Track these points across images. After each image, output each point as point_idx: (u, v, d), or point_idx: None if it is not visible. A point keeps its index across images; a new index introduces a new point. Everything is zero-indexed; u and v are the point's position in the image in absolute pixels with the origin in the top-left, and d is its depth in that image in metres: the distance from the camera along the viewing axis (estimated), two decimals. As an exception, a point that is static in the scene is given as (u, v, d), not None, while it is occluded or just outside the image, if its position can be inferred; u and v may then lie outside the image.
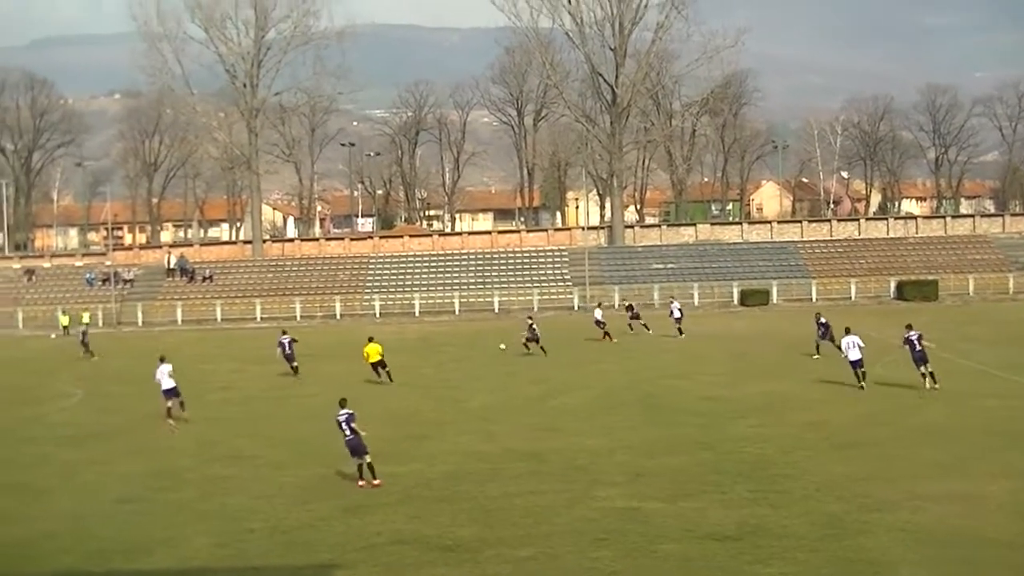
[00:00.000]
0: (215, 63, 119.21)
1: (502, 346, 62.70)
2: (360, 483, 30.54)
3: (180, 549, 25.16)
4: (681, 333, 70.37)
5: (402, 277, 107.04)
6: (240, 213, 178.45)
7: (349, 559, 23.81)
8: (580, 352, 64.61)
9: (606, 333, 69.07)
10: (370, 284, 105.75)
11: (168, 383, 43.73)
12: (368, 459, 30.68)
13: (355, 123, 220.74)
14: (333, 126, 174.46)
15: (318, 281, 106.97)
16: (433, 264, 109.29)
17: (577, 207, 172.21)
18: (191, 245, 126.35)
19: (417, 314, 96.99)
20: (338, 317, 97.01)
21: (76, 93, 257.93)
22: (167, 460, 35.49)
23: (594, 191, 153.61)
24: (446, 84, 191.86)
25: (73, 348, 74.33)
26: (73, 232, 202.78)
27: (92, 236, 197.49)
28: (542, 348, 61.93)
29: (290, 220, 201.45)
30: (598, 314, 71.25)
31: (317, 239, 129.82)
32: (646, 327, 72.56)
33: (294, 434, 39.59)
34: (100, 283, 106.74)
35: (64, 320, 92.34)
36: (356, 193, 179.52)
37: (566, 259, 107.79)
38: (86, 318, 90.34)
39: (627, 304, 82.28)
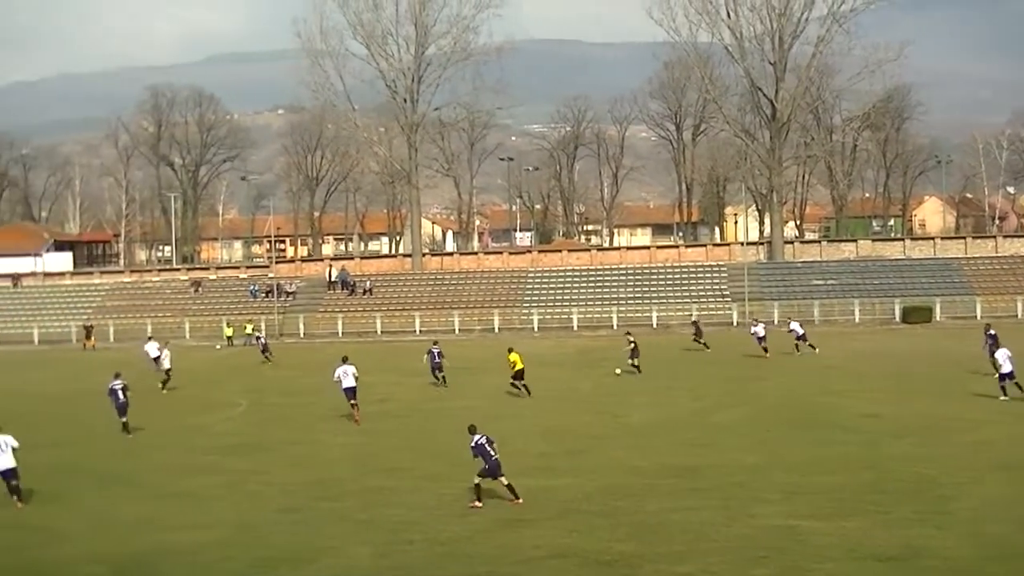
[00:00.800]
0: (376, 79, 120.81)
1: (617, 371, 61.97)
2: (517, 500, 30.25)
3: (341, 559, 25.51)
4: (814, 348, 69.71)
5: (560, 291, 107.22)
6: (400, 226, 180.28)
7: (506, 572, 23.91)
8: (739, 368, 64.12)
9: (765, 348, 68.47)
10: (528, 298, 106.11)
11: (349, 382, 47.05)
12: (505, 480, 30.34)
13: (513, 138, 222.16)
14: (492, 141, 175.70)
15: (477, 295, 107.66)
16: (591, 279, 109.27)
17: (736, 222, 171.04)
18: (352, 258, 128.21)
19: (575, 328, 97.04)
20: (496, 331, 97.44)
21: (241, 108, 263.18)
22: (328, 471, 36.00)
23: (753, 206, 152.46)
24: (604, 99, 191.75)
25: (237, 358, 75.89)
26: (237, 245, 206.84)
27: (256, 249, 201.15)
28: (636, 367, 61.37)
29: (449, 234, 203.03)
30: (759, 330, 70.53)
31: (476, 253, 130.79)
32: (705, 345, 74.20)
33: (451, 446, 39.75)
34: (263, 295, 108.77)
35: (228, 331, 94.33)
36: (514, 207, 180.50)
37: (725, 274, 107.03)
38: (249, 328, 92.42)
39: (692, 320, 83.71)
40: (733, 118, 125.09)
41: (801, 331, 71.17)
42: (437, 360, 58.99)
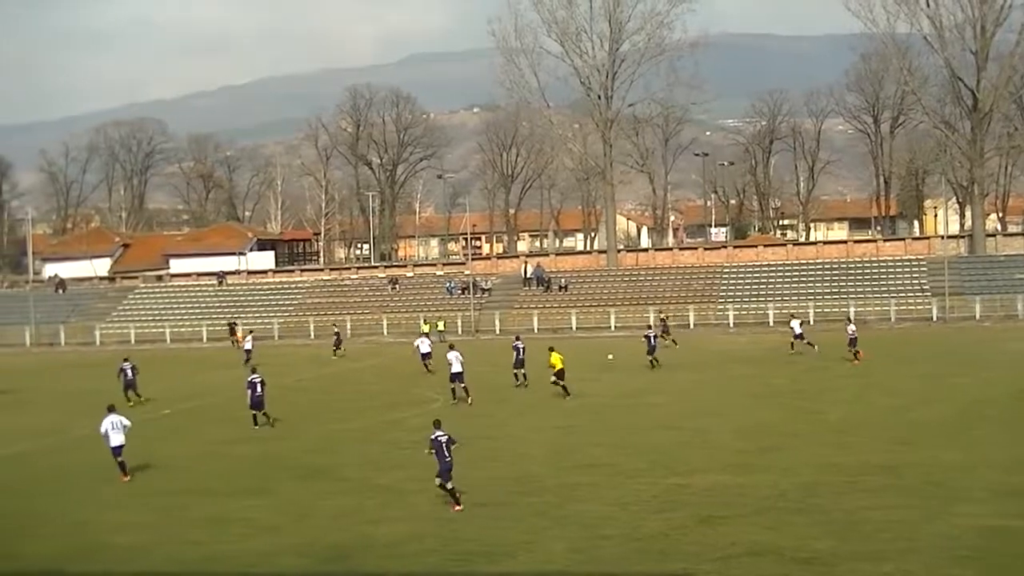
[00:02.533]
0: (570, 76, 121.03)
1: (610, 356, 65.58)
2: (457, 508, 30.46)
3: (537, 553, 25.67)
4: (813, 346, 69.97)
5: (756, 287, 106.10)
6: (594, 223, 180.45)
7: (703, 569, 23.81)
8: (937, 364, 62.79)
9: (855, 353, 66.55)
10: (724, 294, 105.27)
11: (456, 367, 53.09)
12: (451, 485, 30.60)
13: (708, 133, 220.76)
14: (686, 136, 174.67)
15: (672, 291, 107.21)
16: (787, 274, 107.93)
17: (935, 216, 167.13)
18: (547, 255, 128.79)
19: (771, 324, 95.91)
20: (691, 327, 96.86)
21: (437, 108, 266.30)
22: (524, 466, 36.24)
23: (953, 199, 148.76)
24: (800, 92, 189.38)
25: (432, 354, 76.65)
26: (434, 242, 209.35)
27: (452, 246, 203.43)
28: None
29: (643, 230, 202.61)
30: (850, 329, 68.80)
31: (671, 249, 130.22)
32: (674, 341, 76.82)
33: (647, 442, 39.79)
34: (459, 292, 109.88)
35: (425, 327, 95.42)
36: (709, 203, 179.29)
37: (924, 269, 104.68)
38: (441, 325, 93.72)
39: (661, 318, 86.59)
40: (932, 109, 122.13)
41: (799, 330, 70.97)
42: (521, 356, 59.13)
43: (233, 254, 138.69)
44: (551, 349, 55.59)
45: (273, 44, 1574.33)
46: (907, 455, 35.46)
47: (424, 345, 69.80)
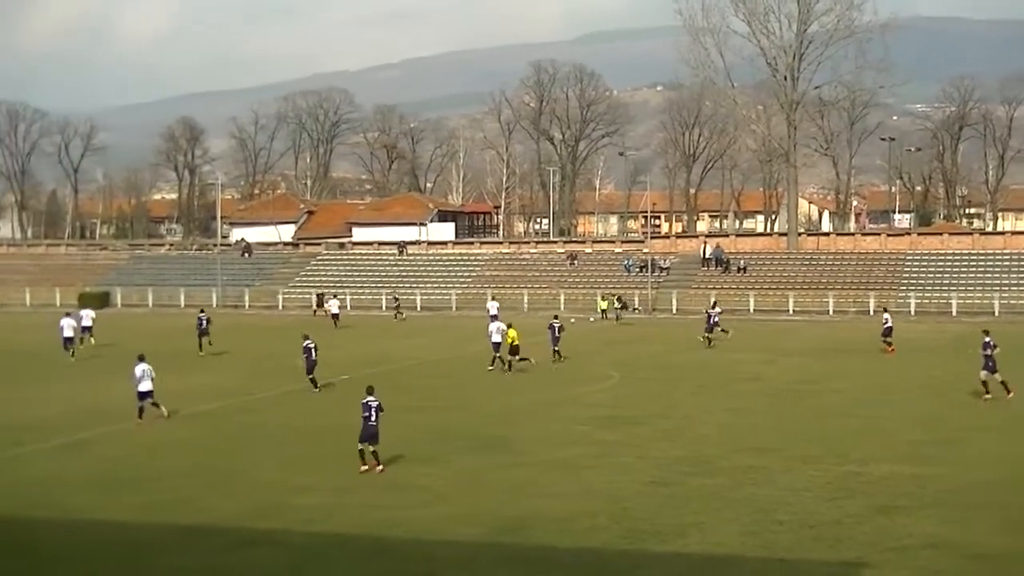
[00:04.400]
0: (756, 56, 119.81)
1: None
2: (363, 468, 32.26)
3: (710, 535, 25.67)
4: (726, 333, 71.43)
5: (939, 275, 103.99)
6: (775, 205, 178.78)
7: (877, 559, 23.56)
8: None
9: (889, 343, 64.90)
10: (906, 281, 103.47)
11: (496, 338, 57.00)
12: (373, 448, 32.39)
13: (895, 117, 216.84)
14: (872, 120, 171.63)
15: (852, 276, 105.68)
16: (972, 263, 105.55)
17: None
18: (726, 236, 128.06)
19: (954, 314, 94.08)
20: (871, 313, 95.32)
21: (620, 85, 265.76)
22: (697, 447, 36.20)
23: None
24: (994, 78, 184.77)
25: (610, 331, 77.01)
26: (613, 219, 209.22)
27: (631, 224, 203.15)
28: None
29: (825, 214, 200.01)
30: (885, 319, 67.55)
31: (852, 234, 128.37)
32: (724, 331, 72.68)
33: (822, 428, 39.46)
34: (637, 270, 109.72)
35: (603, 304, 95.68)
36: (893, 189, 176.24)
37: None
38: (604, 304, 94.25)
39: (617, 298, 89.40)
40: None
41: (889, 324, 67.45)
42: (557, 335, 60.53)
43: (414, 224, 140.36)
44: (509, 325, 58.39)
45: (457, 18, 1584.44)
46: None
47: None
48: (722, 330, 72.19)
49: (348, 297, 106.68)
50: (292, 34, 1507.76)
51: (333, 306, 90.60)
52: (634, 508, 28.09)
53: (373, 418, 32.39)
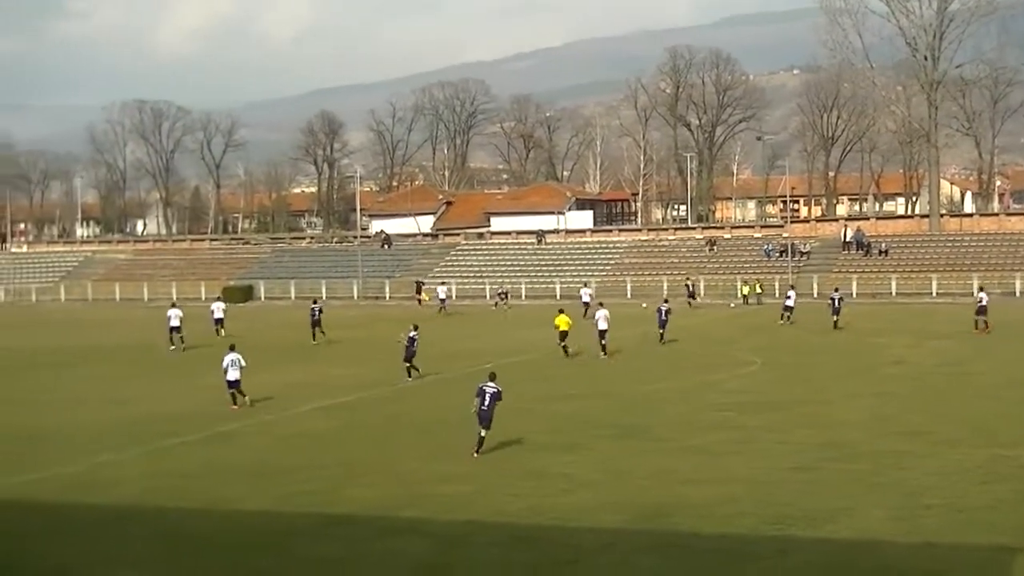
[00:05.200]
0: (895, 36, 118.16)
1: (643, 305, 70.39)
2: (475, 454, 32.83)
3: (856, 520, 25.33)
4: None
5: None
6: (916, 187, 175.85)
7: (1033, 545, 23.11)
8: None
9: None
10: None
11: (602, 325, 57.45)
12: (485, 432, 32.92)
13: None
14: (1016, 98, 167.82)
15: (997, 257, 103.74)
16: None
17: None
18: (867, 219, 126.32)
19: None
20: (1017, 295, 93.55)
21: (757, 69, 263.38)
22: (840, 433, 35.74)
23: None
24: None
25: (751, 316, 76.59)
26: (751, 204, 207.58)
27: (769, 208, 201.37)
28: None
29: (967, 195, 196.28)
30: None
31: (996, 214, 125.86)
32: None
33: (969, 412, 38.80)
34: (777, 255, 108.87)
35: (744, 290, 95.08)
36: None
37: None
38: (745, 290, 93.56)
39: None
40: None
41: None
42: (664, 318, 63.51)
43: (552, 213, 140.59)
44: (560, 311, 59.73)
45: (589, 5, 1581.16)
46: None
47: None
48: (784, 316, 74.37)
49: (487, 286, 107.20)
50: (425, 26, 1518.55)
51: (441, 292, 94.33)
52: (778, 493, 27.82)
53: (485, 403, 32.75)
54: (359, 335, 72.11)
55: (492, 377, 33.64)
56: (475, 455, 32.72)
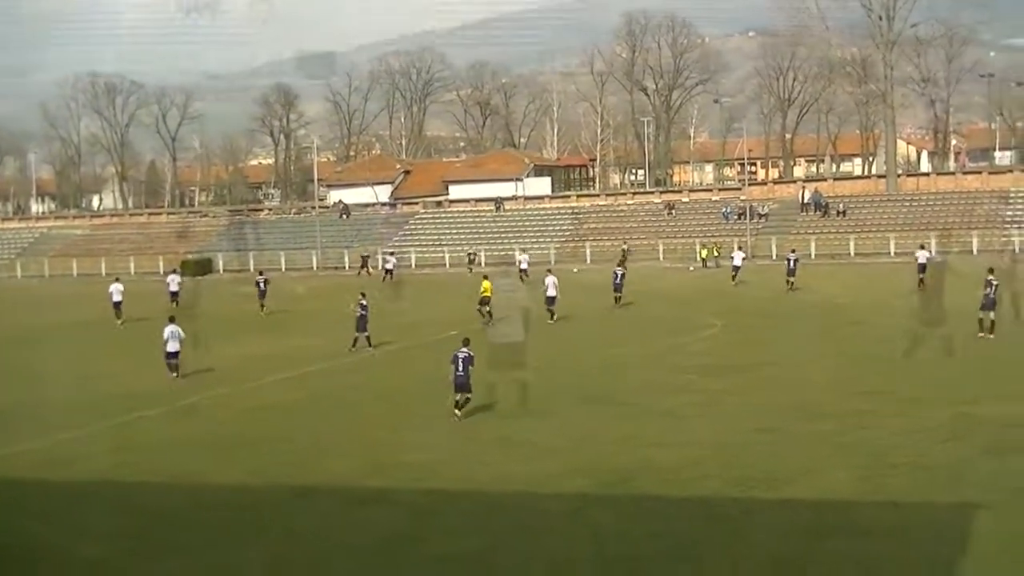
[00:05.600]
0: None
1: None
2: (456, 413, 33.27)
3: (820, 480, 25.54)
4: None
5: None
6: (873, 148, 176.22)
7: (994, 500, 23.17)
8: None
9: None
10: (1009, 219, 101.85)
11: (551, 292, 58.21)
12: (466, 396, 33.52)
13: (993, 53, 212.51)
14: (970, 58, 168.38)
15: (953, 216, 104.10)
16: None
17: None
18: (824, 180, 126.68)
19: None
20: (975, 253, 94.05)
21: (713, 32, 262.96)
22: (803, 393, 35.92)
23: None
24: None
25: (710, 279, 76.80)
26: (709, 168, 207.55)
27: (727, 171, 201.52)
28: None
29: (923, 154, 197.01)
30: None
31: (953, 173, 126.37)
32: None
33: (930, 370, 38.93)
34: (735, 217, 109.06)
35: (703, 253, 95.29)
36: (994, 126, 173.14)
37: None
38: (704, 253, 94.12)
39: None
40: None
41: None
42: (619, 281, 64.36)
43: (510, 180, 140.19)
44: (485, 277, 60.37)
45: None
46: None
47: None
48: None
49: (447, 254, 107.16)
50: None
51: (389, 262, 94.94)
52: (743, 456, 27.99)
53: (460, 368, 32.96)
54: (318, 306, 71.77)
55: (466, 342, 33.93)
56: (457, 417, 33.04)
